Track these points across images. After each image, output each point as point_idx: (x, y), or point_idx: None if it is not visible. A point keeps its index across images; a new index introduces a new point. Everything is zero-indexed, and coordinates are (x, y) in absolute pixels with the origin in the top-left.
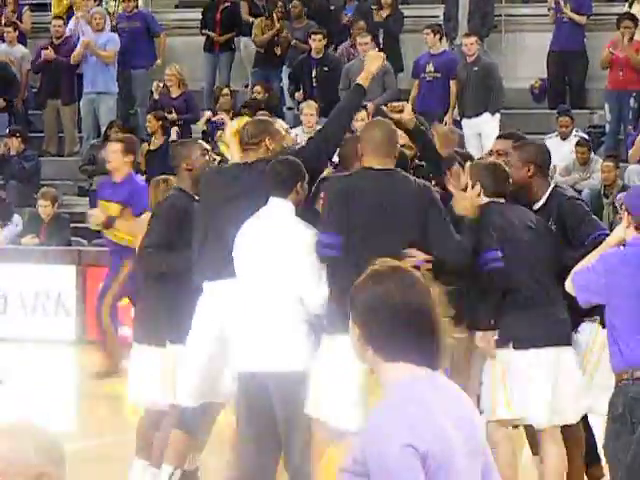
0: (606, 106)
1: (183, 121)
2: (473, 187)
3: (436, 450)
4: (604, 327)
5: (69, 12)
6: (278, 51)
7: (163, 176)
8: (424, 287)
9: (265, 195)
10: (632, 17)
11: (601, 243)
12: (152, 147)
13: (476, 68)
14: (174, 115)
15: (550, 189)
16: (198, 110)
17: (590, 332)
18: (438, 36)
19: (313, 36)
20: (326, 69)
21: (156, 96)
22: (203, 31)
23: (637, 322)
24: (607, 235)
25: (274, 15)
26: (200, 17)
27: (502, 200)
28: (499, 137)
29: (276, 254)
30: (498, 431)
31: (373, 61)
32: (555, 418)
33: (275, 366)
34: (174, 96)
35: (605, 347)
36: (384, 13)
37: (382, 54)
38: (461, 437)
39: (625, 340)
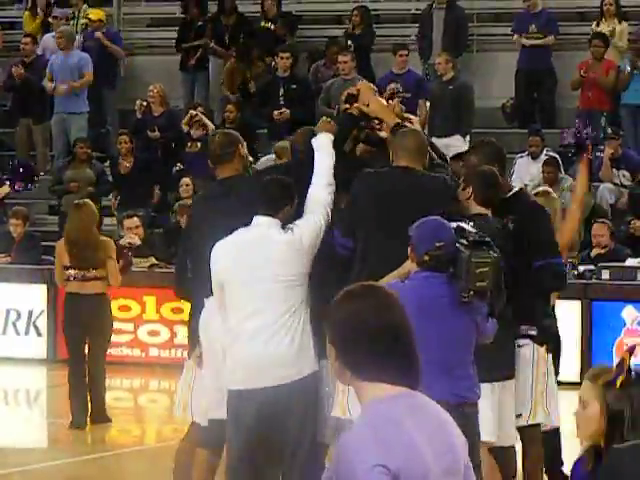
0: (577, 125)
1: (166, 139)
2: (464, 190)
3: (408, 469)
4: None
5: (42, 30)
6: (252, 88)
7: None
8: (400, 306)
9: (249, 213)
10: (602, 37)
11: (544, 270)
12: (123, 171)
13: (451, 87)
14: (157, 133)
15: (515, 189)
16: (181, 128)
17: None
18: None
19: (281, 54)
20: (294, 86)
21: (139, 115)
22: (183, 45)
23: None
24: (553, 264)
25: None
26: (170, 36)
27: (487, 211)
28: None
29: (270, 266)
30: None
31: (367, 91)
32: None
33: (289, 376)
34: (156, 114)
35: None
36: (356, 31)
37: (371, 84)
38: (437, 456)
39: None
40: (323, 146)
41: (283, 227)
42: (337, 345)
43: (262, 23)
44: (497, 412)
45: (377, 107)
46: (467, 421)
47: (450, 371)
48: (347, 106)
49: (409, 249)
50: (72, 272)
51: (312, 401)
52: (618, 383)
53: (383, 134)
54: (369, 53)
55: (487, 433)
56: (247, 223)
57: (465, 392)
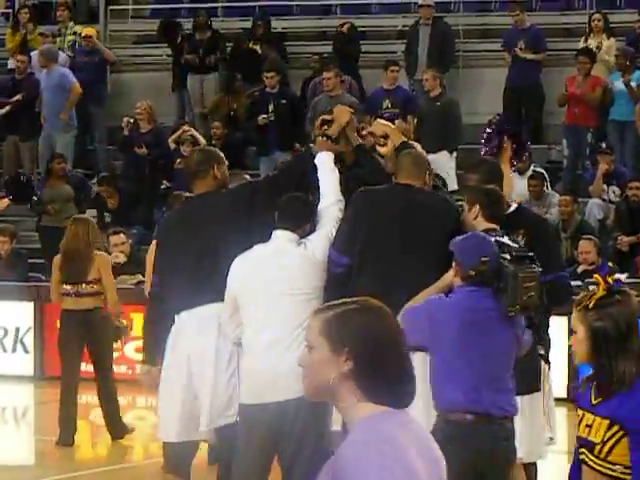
0: (564, 141)
1: (153, 155)
2: (470, 210)
3: None
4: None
5: (21, 47)
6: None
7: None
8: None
9: (218, 225)
10: (588, 52)
11: (556, 285)
12: (110, 207)
13: (438, 103)
14: (144, 150)
15: (515, 205)
16: (168, 145)
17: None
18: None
19: (266, 74)
20: (284, 101)
21: (126, 132)
22: (186, 56)
23: (448, 367)
24: (563, 278)
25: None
26: (157, 53)
27: (496, 226)
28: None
29: (286, 279)
30: None
31: (342, 115)
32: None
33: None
34: (144, 131)
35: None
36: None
37: (350, 109)
38: (427, 472)
39: (440, 384)
40: (325, 164)
41: (297, 242)
42: (361, 362)
43: (250, 44)
44: (528, 427)
45: (384, 127)
46: (510, 435)
47: (493, 384)
48: (324, 129)
49: (453, 264)
50: (67, 287)
51: (321, 412)
52: (591, 304)
53: (384, 150)
54: (356, 66)
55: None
56: (216, 239)
57: (507, 406)
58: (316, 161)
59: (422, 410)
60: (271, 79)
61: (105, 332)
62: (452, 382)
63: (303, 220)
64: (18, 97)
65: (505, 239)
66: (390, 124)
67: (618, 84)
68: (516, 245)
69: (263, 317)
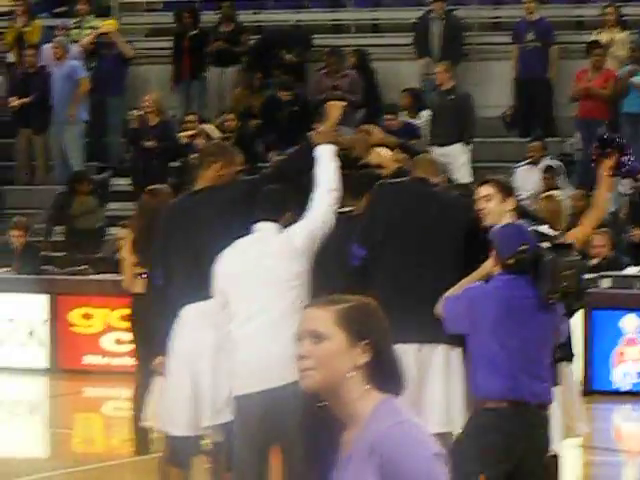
0: (577, 134)
1: (161, 149)
2: (504, 201)
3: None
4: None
5: (18, 42)
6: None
7: None
8: None
9: (217, 221)
10: (601, 46)
11: None
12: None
13: (452, 97)
14: (152, 143)
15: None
16: (176, 138)
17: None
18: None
19: (282, 92)
20: (296, 109)
21: (134, 125)
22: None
23: (487, 354)
24: None
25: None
26: (170, 46)
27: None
28: (484, 183)
29: (267, 266)
30: None
31: (333, 110)
32: None
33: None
34: (152, 124)
35: None
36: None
37: (342, 103)
38: None
39: (478, 371)
40: (324, 156)
41: (279, 231)
42: (374, 354)
43: (284, 53)
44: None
45: (379, 158)
46: (545, 423)
47: (531, 372)
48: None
49: (492, 252)
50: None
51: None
52: None
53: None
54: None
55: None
56: (215, 235)
57: (544, 393)
58: (316, 153)
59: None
60: (287, 96)
61: None
62: (490, 369)
63: (282, 210)
64: (26, 100)
65: (544, 228)
66: (384, 153)
67: (635, 79)
68: (555, 234)
69: (246, 308)
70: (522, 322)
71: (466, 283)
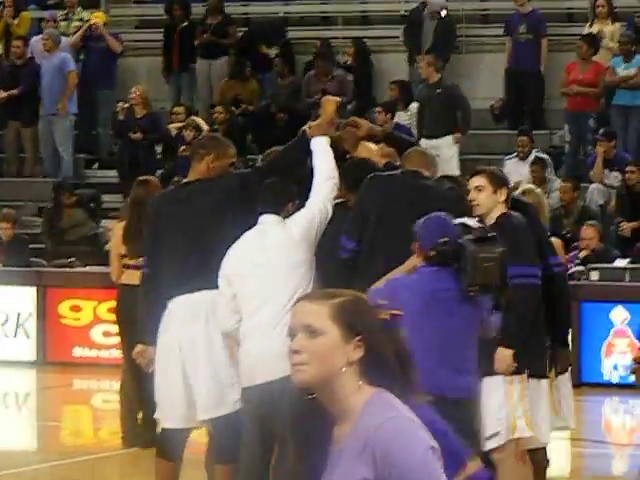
0: (565, 127)
1: (148, 141)
2: (496, 192)
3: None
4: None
5: (6, 34)
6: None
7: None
8: None
9: (208, 214)
10: (590, 39)
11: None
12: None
13: (439, 90)
14: (139, 135)
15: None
16: (163, 130)
17: None
18: (389, 115)
19: (279, 113)
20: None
21: (121, 117)
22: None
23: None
24: (518, 276)
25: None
26: (159, 38)
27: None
28: (476, 173)
29: (267, 257)
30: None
31: (327, 105)
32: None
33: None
34: (139, 116)
35: None
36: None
37: (337, 98)
38: None
39: None
40: (320, 147)
41: (279, 222)
42: (368, 349)
43: (263, 48)
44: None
45: (366, 152)
46: (467, 417)
47: (453, 365)
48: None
49: (415, 245)
50: (130, 261)
51: None
52: None
53: None
54: (369, 82)
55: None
56: (205, 228)
57: (464, 388)
58: (311, 146)
59: None
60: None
61: None
62: None
63: (283, 202)
64: (13, 92)
65: (469, 220)
66: (372, 148)
67: (620, 70)
68: (479, 226)
69: (249, 302)
70: (443, 314)
71: (391, 275)
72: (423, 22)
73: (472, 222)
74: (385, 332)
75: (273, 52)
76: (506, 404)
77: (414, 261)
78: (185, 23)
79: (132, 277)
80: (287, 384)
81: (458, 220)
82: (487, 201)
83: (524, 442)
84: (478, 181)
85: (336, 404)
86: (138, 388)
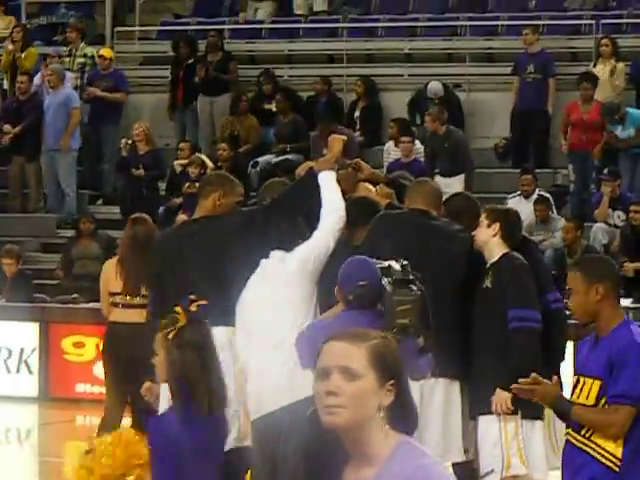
0: (570, 166)
1: (150, 177)
2: (489, 226)
3: None
4: None
5: (12, 69)
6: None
7: None
8: None
9: (214, 251)
10: (591, 78)
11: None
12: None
13: (447, 144)
14: (141, 171)
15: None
16: (165, 166)
17: None
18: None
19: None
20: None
21: (124, 153)
22: (198, 77)
23: None
24: (517, 319)
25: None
26: (164, 74)
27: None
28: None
29: (262, 292)
30: None
31: (334, 143)
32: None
33: (287, 400)
34: (142, 152)
35: None
36: (360, 105)
37: (343, 137)
38: None
39: None
40: (328, 180)
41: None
42: (398, 394)
43: (265, 105)
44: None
45: (365, 193)
46: None
47: None
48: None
49: (336, 289)
50: (119, 299)
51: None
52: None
53: None
54: (379, 121)
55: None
56: (210, 266)
57: None
58: (319, 180)
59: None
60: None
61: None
62: None
63: (294, 238)
64: (16, 130)
65: (397, 263)
66: (371, 188)
67: (619, 132)
68: (399, 268)
69: (248, 336)
70: None
71: (318, 319)
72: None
73: (396, 264)
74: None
75: (274, 107)
76: (500, 442)
77: (339, 306)
78: (191, 60)
79: (122, 315)
80: (286, 416)
81: (387, 263)
82: (481, 235)
83: None
84: (482, 219)
85: (360, 448)
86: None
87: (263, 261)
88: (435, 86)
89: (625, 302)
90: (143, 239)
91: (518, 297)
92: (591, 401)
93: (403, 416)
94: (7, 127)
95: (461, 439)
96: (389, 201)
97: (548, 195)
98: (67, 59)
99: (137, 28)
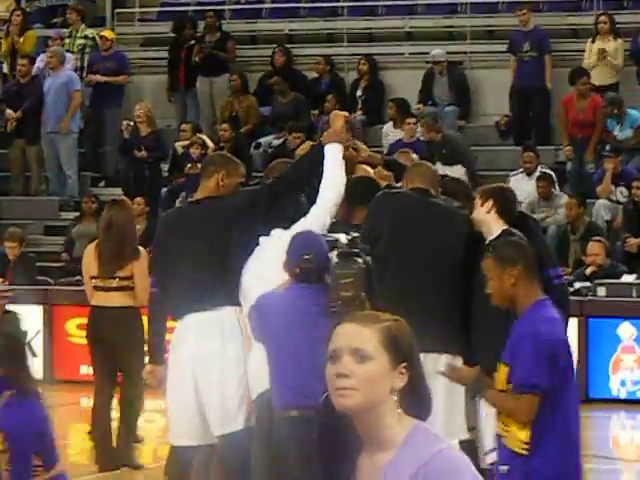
0: (569, 147)
1: (152, 159)
2: (483, 205)
3: None
4: None
5: (12, 52)
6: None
7: None
8: None
9: (218, 232)
10: (585, 73)
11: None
12: None
13: (444, 150)
14: (144, 153)
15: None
16: (167, 148)
17: None
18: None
19: (294, 134)
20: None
21: (126, 135)
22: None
23: (276, 363)
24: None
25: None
26: (164, 56)
27: (505, 225)
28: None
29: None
30: None
31: (336, 119)
32: None
33: None
34: (143, 134)
35: None
36: (362, 84)
37: (344, 112)
38: None
39: (272, 382)
40: (334, 154)
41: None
42: (410, 376)
43: (270, 79)
44: None
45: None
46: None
47: (320, 378)
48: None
49: (282, 262)
50: (99, 282)
51: None
52: None
53: None
54: (381, 100)
55: None
56: (215, 246)
57: None
58: (325, 152)
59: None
60: (298, 139)
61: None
62: (279, 379)
63: (294, 217)
64: (18, 114)
65: (341, 236)
66: (370, 170)
67: (617, 132)
68: (346, 242)
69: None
70: (307, 329)
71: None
72: (434, 83)
73: (343, 237)
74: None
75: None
76: None
77: (288, 280)
78: (192, 42)
79: (101, 299)
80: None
81: (335, 236)
82: (477, 215)
83: None
84: (477, 199)
85: (374, 432)
86: (110, 410)
87: (263, 239)
88: (437, 52)
89: (629, 278)
90: (120, 223)
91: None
92: (501, 387)
93: (416, 400)
94: (9, 112)
95: (465, 417)
96: (387, 183)
97: (551, 172)
98: (67, 40)
99: (137, 9)
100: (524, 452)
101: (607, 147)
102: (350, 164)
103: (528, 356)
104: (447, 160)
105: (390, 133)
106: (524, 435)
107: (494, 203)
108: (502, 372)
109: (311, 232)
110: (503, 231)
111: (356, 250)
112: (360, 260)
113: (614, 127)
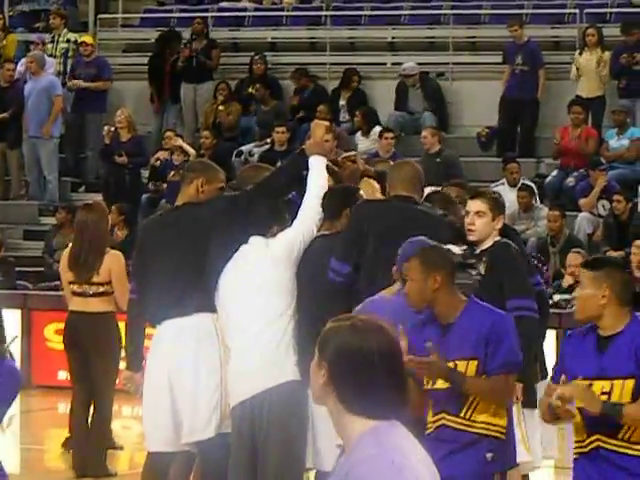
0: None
1: (133, 164)
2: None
3: None
4: None
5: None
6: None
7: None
8: (396, 340)
9: (196, 238)
10: (581, 103)
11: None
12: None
13: (438, 160)
14: (124, 158)
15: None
16: (148, 153)
17: None
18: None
19: (277, 128)
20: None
21: (107, 140)
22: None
23: None
24: (524, 309)
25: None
26: (146, 62)
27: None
28: (477, 196)
29: (245, 276)
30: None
31: (316, 129)
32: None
33: (270, 382)
34: (124, 140)
35: None
36: (345, 94)
37: (326, 122)
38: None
39: None
40: (317, 165)
41: (263, 243)
42: (336, 377)
43: (249, 89)
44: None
45: (369, 188)
46: None
47: None
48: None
49: (394, 269)
50: (75, 287)
51: (292, 410)
52: None
53: None
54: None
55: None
56: (193, 252)
57: None
58: (309, 164)
59: None
60: (282, 134)
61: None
62: None
63: (268, 223)
64: (5, 115)
65: (453, 246)
66: (375, 185)
67: (613, 142)
68: (460, 252)
69: (231, 320)
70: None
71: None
72: (408, 91)
73: (456, 248)
74: (354, 362)
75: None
76: None
77: (396, 285)
78: (177, 55)
79: (79, 304)
80: (266, 397)
81: (446, 246)
82: (485, 228)
83: (522, 467)
84: (479, 206)
85: (340, 436)
86: (87, 415)
87: (244, 247)
88: (408, 65)
89: None
90: (92, 227)
91: (517, 286)
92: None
93: (356, 400)
94: None
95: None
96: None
97: (532, 184)
98: (50, 45)
99: (120, 15)
100: (502, 436)
101: (602, 160)
102: (353, 177)
103: (511, 338)
104: (439, 169)
105: (359, 142)
106: (499, 421)
107: (502, 220)
108: (469, 367)
109: (422, 239)
110: (498, 241)
111: (472, 261)
112: (474, 272)
113: (612, 136)
